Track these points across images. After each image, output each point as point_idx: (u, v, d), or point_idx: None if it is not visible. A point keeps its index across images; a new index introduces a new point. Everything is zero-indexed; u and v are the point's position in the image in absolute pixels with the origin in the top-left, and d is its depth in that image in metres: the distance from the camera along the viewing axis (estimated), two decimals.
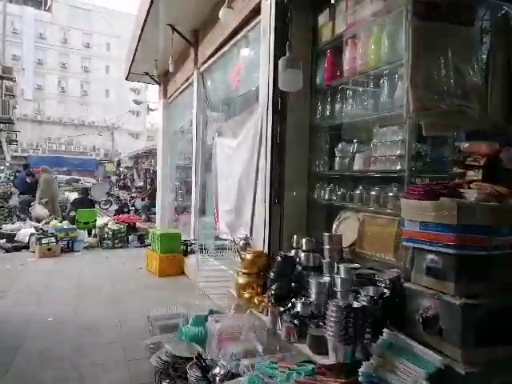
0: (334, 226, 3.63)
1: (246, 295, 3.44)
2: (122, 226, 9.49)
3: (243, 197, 5.09)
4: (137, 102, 25.24)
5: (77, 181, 29.37)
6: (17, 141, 25.82)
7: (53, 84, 52.13)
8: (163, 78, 10.13)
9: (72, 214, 10.27)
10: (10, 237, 8.83)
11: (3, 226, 9.54)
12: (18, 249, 8.65)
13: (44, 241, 8.05)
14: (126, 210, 12.26)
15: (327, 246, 3.06)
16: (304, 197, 4.14)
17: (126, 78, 10.80)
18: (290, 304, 2.78)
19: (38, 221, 9.90)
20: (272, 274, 3.24)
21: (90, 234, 9.75)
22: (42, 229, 9.24)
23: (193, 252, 6.88)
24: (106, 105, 52.28)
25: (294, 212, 4.08)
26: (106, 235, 9.29)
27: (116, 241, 9.26)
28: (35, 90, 50.93)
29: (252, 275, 3.54)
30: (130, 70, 9.96)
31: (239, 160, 5.22)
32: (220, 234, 6.01)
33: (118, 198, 17.80)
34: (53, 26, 51.71)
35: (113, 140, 51.13)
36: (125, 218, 10.63)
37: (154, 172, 36.57)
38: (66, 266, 7.30)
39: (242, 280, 3.56)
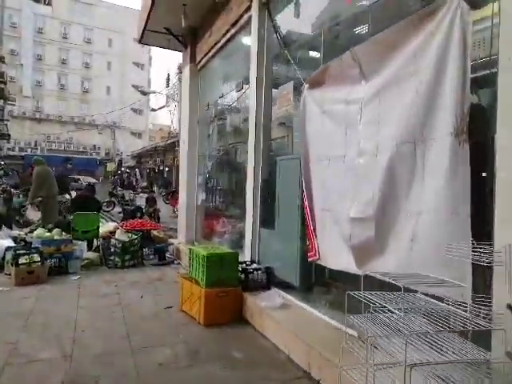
0: None
1: None
2: (134, 237, 6.88)
3: (403, 192, 2.51)
4: (143, 93, 22.71)
5: (76, 180, 26.86)
6: (9, 135, 23.23)
7: (52, 80, 49.95)
8: (190, 38, 7.55)
9: (69, 218, 7.70)
10: None
11: None
12: None
13: (23, 259, 5.44)
14: (138, 214, 9.62)
15: None
16: None
17: (140, 41, 8.22)
18: None
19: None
20: None
21: (90, 246, 7.16)
22: (23, 240, 6.64)
23: (256, 284, 4.29)
24: (108, 102, 50.04)
25: None
26: (112, 249, 6.69)
27: (127, 257, 6.65)
28: (34, 86, 48.75)
29: None
30: (145, 25, 7.38)
31: (390, 120, 2.63)
32: (320, 262, 3.43)
33: (123, 198, 15.18)
34: (53, 21, 49.56)
35: (114, 139, 48.92)
36: (136, 225, 8.00)
37: (160, 171, 34.39)
38: (53, 303, 4.68)
39: None
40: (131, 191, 17.46)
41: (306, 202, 3.58)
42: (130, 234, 6.95)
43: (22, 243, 6.51)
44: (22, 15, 48.20)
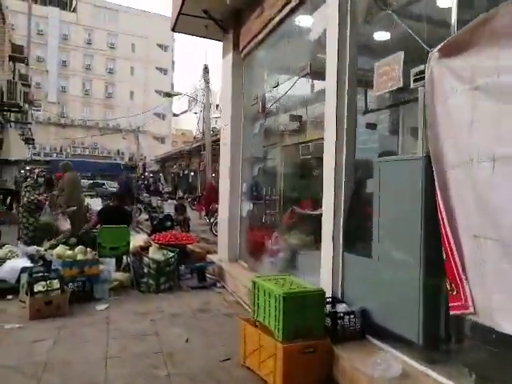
0: None
1: None
2: (170, 255, 5.80)
3: None
4: (168, 95, 21.87)
5: (100, 185, 26.26)
6: (33, 139, 22.76)
7: (77, 86, 50.12)
8: (233, 22, 6.48)
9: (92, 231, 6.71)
10: None
11: None
12: (2, 290, 5.11)
13: (39, 286, 4.42)
14: (168, 224, 8.54)
15: None
16: None
17: (173, 28, 7.19)
18: None
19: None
20: None
21: (118, 264, 6.13)
22: (42, 258, 5.66)
23: (346, 333, 3.12)
24: (131, 107, 49.91)
25: None
26: (145, 269, 5.64)
27: (162, 279, 5.58)
28: (59, 92, 49.01)
29: None
30: (181, 9, 6.36)
31: None
32: (477, 318, 2.24)
33: (150, 205, 14.23)
34: (77, 27, 49.83)
35: (138, 144, 48.69)
36: (170, 238, 6.93)
37: (185, 176, 33.56)
38: (75, 349, 3.61)
39: None
40: (158, 197, 16.51)
41: (445, 226, 2.39)
42: (165, 251, 5.88)
43: (40, 262, 5.53)
44: (49, 22, 48.61)
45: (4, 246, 6.45)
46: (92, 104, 50.60)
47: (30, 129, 21.00)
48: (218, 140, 22.64)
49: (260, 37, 5.74)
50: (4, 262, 5.36)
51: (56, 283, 4.51)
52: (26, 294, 4.50)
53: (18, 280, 5.07)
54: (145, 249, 6.74)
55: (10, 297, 5.06)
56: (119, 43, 51.56)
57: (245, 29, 6.29)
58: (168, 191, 26.91)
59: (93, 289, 5.10)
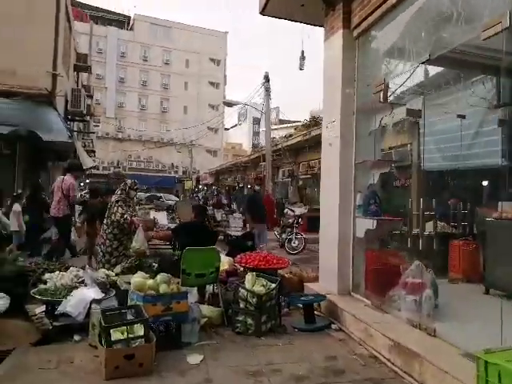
0: None
1: None
2: (271, 285, 4.50)
3: None
4: (228, 104, 21.04)
5: (158, 198, 25.81)
6: (94, 151, 22.75)
7: (133, 102, 51.31)
8: None
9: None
10: (51, 305, 4.20)
11: (48, 275, 4.92)
12: (65, 329, 4.03)
13: (118, 333, 3.25)
14: (249, 243, 7.20)
15: None
16: None
17: (263, 10, 6.03)
18: None
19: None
20: None
21: (202, 294, 4.92)
22: (113, 285, 4.56)
23: None
24: (184, 121, 50.32)
25: None
26: (241, 304, 4.36)
27: (264, 317, 4.28)
28: (117, 108, 50.39)
29: None
30: None
31: None
32: None
33: (214, 219, 13.14)
34: (134, 45, 51.18)
35: (191, 157, 48.87)
36: (260, 261, 5.64)
37: (240, 188, 32.61)
38: None
39: None
40: (222, 210, 15.43)
41: None
42: (263, 281, 4.59)
43: (112, 292, 4.41)
44: (108, 41, 50.32)
45: (69, 268, 5.46)
46: (148, 118, 51.52)
47: (91, 140, 20.92)
48: (278, 150, 21.75)
49: (383, 9, 4.42)
50: (69, 291, 4.30)
51: (139, 328, 3.34)
52: (100, 342, 3.35)
53: (87, 314, 3.99)
54: (231, 274, 5.56)
55: (77, 338, 3.96)
56: (173, 59, 52.42)
57: (358, 1, 4.99)
58: (225, 203, 25.97)
59: (180, 331, 3.90)
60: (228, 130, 59.11)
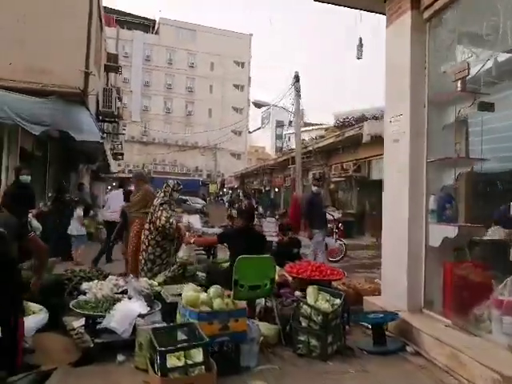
0: None
1: None
2: (336, 301, 3.95)
3: None
4: (258, 105, 20.57)
5: (184, 201, 25.49)
6: (122, 154, 22.66)
7: (158, 105, 51.54)
8: None
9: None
10: (92, 320, 3.75)
11: (86, 285, 4.49)
12: (106, 347, 3.58)
13: (174, 359, 2.75)
14: (295, 250, 6.63)
15: None
16: None
17: None
18: None
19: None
20: None
21: (252, 308, 4.39)
22: (157, 296, 4.09)
23: None
24: (209, 124, 50.31)
25: None
26: (303, 322, 3.82)
27: (329, 338, 3.72)
28: (142, 111, 50.71)
29: None
30: None
31: None
32: None
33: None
34: (159, 48, 51.46)
35: (215, 160, 48.77)
36: (312, 271, 5.10)
37: (267, 192, 32.06)
38: None
39: None
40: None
41: None
42: (327, 296, 4.03)
43: (158, 305, 3.94)
44: (134, 45, 50.75)
45: (107, 276, 5.04)
46: (172, 122, 51.65)
47: (120, 142, 20.83)
48: (308, 153, 21.10)
49: None
50: (111, 303, 3.84)
51: (197, 352, 2.83)
52: (152, 365, 2.86)
53: (133, 332, 3.53)
54: (282, 285, 5.03)
55: (121, 358, 3.50)
56: (198, 62, 52.46)
57: None
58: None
59: (238, 352, 3.38)
60: (251, 133, 58.87)
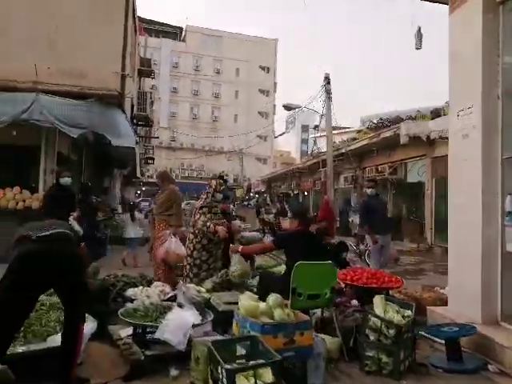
0: None
1: None
2: (408, 313, 3.56)
3: None
4: (288, 108, 20.27)
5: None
6: (153, 158, 22.78)
7: (185, 111, 51.98)
8: None
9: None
10: (142, 330, 3.48)
11: (132, 291, 4.25)
12: (157, 359, 3.30)
13: (241, 379, 2.43)
14: (344, 255, 6.25)
15: None
16: None
17: None
18: None
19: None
20: None
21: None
22: (207, 304, 3.80)
23: None
24: (234, 130, 50.35)
25: None
26: (371, 336, 3.44)
27: (402, 354, 3.33)
28: (169, 117, 51.23)
29: None
30: None
31: None
32: None
33: (279, 227, 12.30)
34: (186, 55, 51.97)
35: (242, 165, 48.64)
36: (367, 278, 4.71)
37: (295, 196, 31.60)
38: None
39: None
40: (287, 218, 14.59)
41: None
42: (396, 307, 3.64)
43: (210, 316, 3.65)
44: (162, 53, 51.43)
45: (150, 282, 4.80)
46: (199, 127, 51.96)
47: (152, 147, 20.92)
48: (339, 155, 20.57)
49: None
50: (161, 312, 3.57)
51: (266, 374, 2.50)
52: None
53: (189, 343, 3.24)
54: (338, 293, 4.65)
55: (174, 372, 3.20)
56: (224, 68, 52.69)
57: None
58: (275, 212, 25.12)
59: (304, 369, 3.04)
60: (276, 137, 58.57)
